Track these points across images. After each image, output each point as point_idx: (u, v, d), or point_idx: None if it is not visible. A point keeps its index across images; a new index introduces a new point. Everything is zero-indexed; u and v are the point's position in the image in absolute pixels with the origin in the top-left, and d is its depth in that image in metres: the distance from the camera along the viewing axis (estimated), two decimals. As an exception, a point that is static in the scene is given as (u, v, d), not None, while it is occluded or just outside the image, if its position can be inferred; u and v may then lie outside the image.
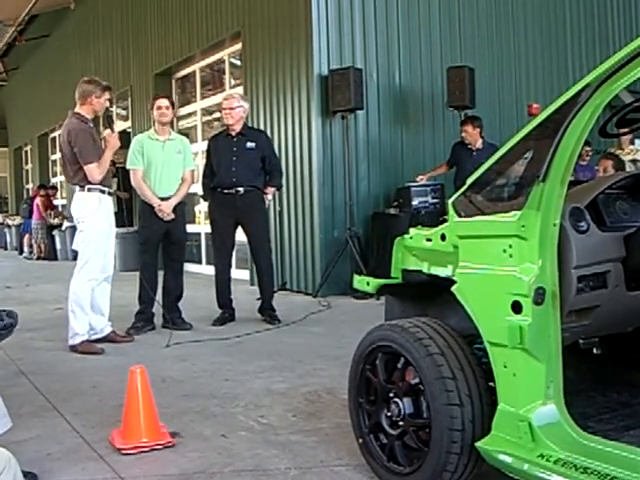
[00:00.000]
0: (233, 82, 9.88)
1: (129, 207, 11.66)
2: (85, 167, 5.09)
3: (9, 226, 18.29)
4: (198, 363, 4.63)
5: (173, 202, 5.74)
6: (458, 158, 7.45)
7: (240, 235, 6.13)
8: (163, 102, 5.86)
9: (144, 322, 5.74)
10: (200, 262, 10.64)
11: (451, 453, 2.22)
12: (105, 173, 5.17)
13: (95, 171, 5.09)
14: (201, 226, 10.49)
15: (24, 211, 16.95)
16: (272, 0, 8.15)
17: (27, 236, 15.73)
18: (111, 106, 5.63)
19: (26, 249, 15.64)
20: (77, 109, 5.22)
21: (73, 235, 5.56)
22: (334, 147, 7.62)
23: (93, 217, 5.12)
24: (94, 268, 5.10)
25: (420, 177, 7.62)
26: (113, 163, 7.34)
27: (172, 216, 5.71)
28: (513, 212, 2.11)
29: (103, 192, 5.18)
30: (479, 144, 7.34)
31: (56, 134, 17.90)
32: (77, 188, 5.24)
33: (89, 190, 5.13)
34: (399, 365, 2.42)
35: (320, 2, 7.53)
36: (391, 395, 2.45)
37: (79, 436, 3.21)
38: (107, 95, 5.24)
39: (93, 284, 5.12)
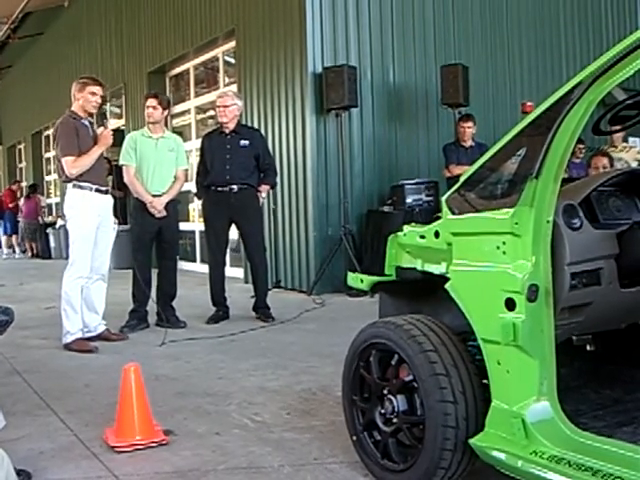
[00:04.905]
0: (227, 80, 9.86)
1: (122, 205, 11.62)
2: (62, 160, 5.03)
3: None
4: (192, 361, 4.62)
5: (165, 199, 5.72)
6: (457, 157, 7.46)
7: (234, 233, 6.12)
8: (150, 102, 5.81)
9: (138, 320, 5.73)
10: (194, 260, 10.63)
11: (445, 450, 2.22)
12: (90, 169, 5.03)
13: (69, 164, 4.99)
14: (195, 224, 10.48)
15: None
16: (266, -2, 8.15)
17: (5, 237, 15.54)
18: (104, 103, 5.51)
19: (5, 250, 15.26)
20: (71, 108, 5.20)
21: (66, 233, 5.52)
22: (328, 145, 7.62)
23: (76, 214, 5.06)
24: (81, 266, 5.03)
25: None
26: (108, 161, 7.29)
27: (164, 213, 5.70)
28: (506, 209, 2.10)
29: (90, 189, 5.06)
30: (470, 142, 7.41)
31: (50, 132, 17.86)
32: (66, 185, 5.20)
33: (74, 187, 5.07)
34: (393, 362, 2.42)
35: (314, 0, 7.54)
36: (385, 392, 2.45)
37: (72, 434, 3.20)
38: (91, 89, 5.08)
39: (82, 282, 5.06)
